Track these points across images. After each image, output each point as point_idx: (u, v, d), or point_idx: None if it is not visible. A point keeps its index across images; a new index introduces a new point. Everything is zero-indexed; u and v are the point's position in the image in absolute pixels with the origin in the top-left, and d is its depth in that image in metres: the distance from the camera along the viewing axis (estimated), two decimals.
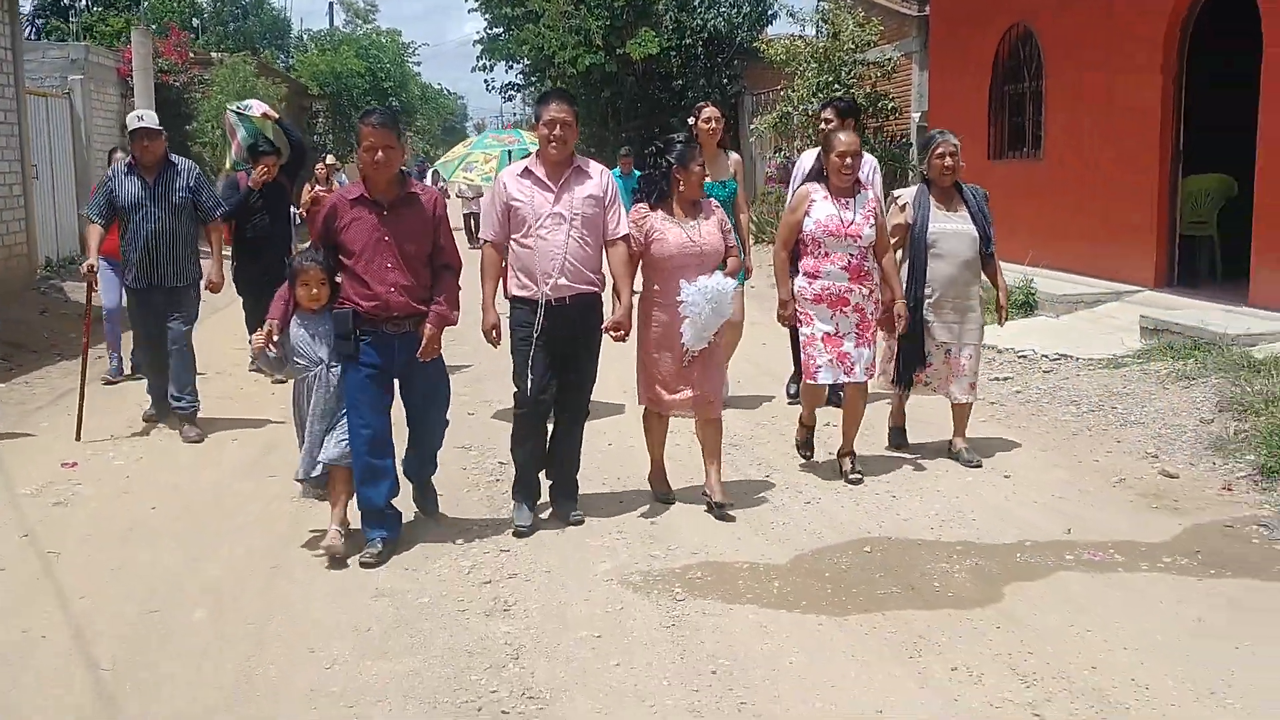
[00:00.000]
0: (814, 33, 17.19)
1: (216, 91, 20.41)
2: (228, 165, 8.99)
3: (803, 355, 5.80)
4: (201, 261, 7.13)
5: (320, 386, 4.81)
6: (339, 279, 4.83)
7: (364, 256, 4.72)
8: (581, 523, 5.12)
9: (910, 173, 13.95)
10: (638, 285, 5.34)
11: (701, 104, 7.20)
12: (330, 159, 14.43)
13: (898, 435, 6.35)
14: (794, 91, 15.98)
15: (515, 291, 5.04)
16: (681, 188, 5.18)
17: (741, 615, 4.13)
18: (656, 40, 22.58)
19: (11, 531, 5.15)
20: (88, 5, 27.56)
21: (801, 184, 5.93)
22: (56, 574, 4.60)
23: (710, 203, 5.40)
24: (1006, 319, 6.27)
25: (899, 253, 6.02)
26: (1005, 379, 7.87)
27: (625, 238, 5.14)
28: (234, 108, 8.64)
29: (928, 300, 5.92)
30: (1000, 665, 3.69)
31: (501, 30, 26.46)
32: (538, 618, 4.12)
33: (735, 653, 3.80)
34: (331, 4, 46.85)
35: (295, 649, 3.90)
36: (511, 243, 5.02)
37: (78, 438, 6.82)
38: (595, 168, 5.15)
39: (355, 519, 4.89)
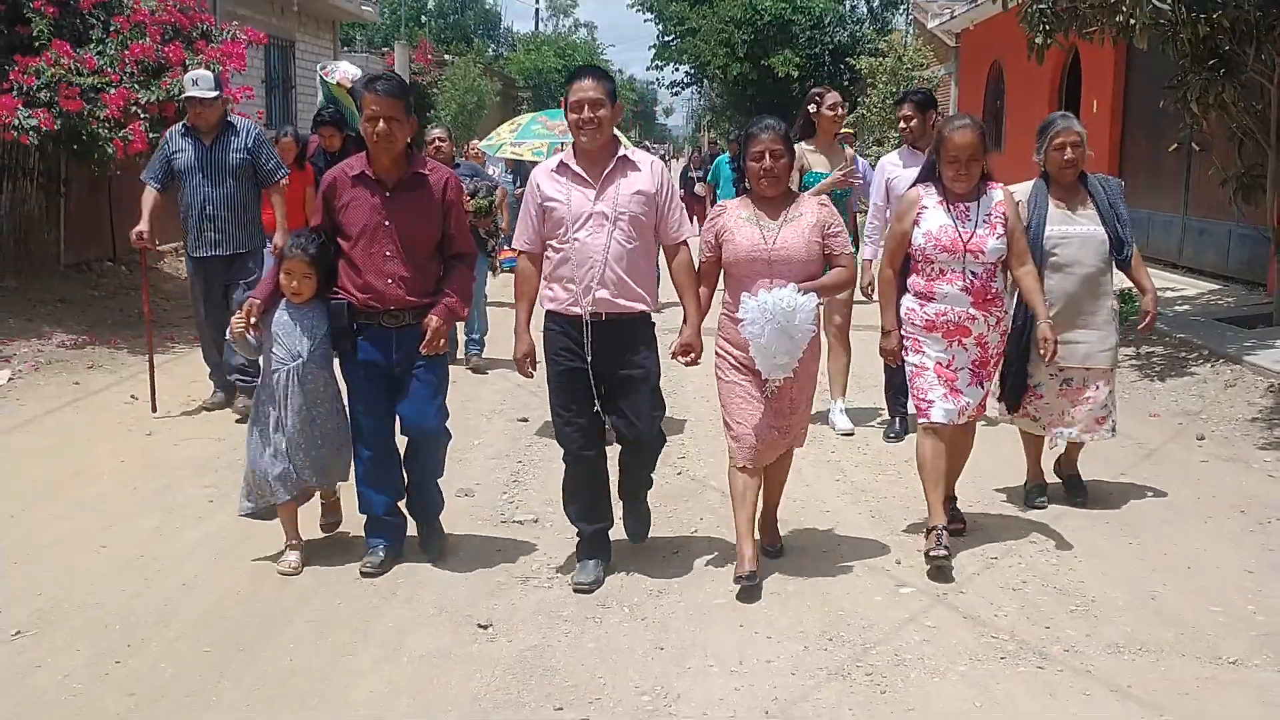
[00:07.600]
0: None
1: (449, 86, 27.16)
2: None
3: (910, 390, 4.66)
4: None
5: (291, 385, 4.34)
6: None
7: (361, 241, 4.25)
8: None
9: None
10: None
11: (822, 90, 6.33)
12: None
13: (1038, 492, 5.34)
14: (868, 98, 21.40)
15: (550, 306, 4.28)
16: (760, 181, 4.27)
17: None
18: (796, 62, 28.21)
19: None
20: None
21: (911, 185, 4.81)
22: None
23: (814, 201, 4.39)
24: (1148, 329, 5.25)
25: None
26: None
27: (687, 243, 4.34)
28: (321, 70, 7.65)
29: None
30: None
31: (670, 38, 32.66)
32: None
33: None
34: (537, 10, 53.99)
35: None
36: (547, 248, 4.29)
37: (154, 409, 6.79)
38: (645, 159, 4.30)
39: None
